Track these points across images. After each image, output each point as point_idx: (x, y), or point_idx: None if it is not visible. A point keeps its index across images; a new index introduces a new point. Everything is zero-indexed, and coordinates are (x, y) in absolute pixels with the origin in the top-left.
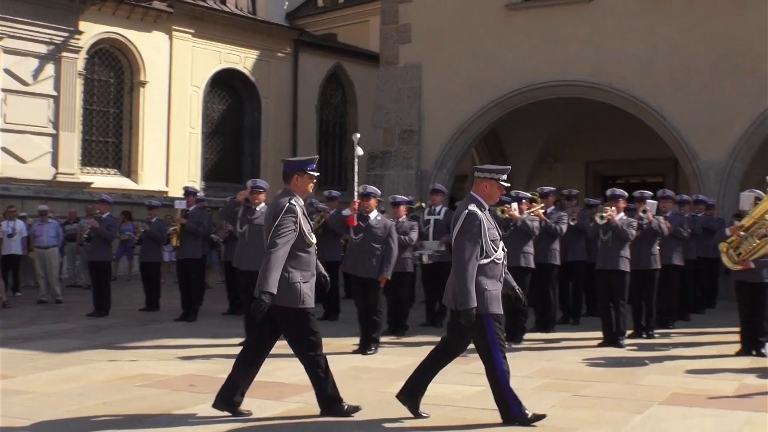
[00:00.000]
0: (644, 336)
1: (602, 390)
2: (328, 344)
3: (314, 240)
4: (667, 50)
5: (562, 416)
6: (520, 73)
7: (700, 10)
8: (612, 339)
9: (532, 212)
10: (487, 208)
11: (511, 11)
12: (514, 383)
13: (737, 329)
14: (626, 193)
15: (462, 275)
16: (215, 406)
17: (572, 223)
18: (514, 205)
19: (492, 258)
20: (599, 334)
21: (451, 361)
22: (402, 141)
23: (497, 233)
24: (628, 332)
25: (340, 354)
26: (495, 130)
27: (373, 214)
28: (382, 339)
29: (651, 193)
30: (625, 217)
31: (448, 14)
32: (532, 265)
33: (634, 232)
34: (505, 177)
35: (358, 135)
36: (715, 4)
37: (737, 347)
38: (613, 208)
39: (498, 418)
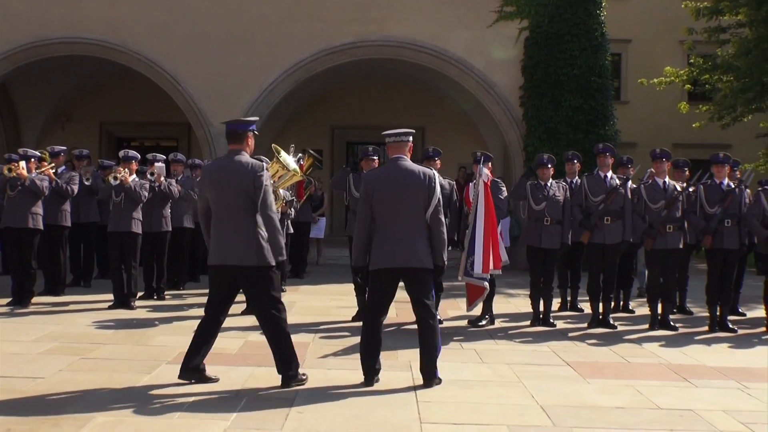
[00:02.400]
0: (155, 297)
1: (112, 352)
2: None
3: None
4: (183, 15)
5: (69, 380)
6: (32, 26)
7: None
8: (123, 301)
9: (42, 172)
10: None
11: None
12: (17, 348)
13: None
14: (139, 155)
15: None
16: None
17: (86, 183)
18: (22, 163)
19: None
20: (111, 296)
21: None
22: None
23: None
24: (140, 294)
25: None
26: (4, 85)
27: None
28: None
29: (164, 156)
30: (138, 179)
31: None
32: (41, 226)
33: (146, 193)
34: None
35: None
36: None
37: (243, 306)
38: (126, 169)
39: None
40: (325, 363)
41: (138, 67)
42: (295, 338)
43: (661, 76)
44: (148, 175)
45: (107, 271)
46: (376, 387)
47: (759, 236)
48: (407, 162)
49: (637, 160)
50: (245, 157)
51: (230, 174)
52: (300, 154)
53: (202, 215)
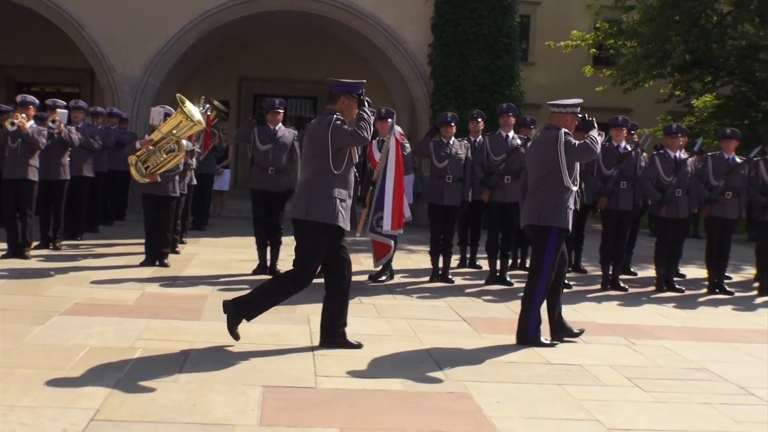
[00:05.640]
0: (51, 247)
1: (3, 302)
2: None
3: (355, 160)
4: None
5: None
6: None
7: None
8: (17, 250)
9: None
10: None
11: None
12: None
13: (143, 241)
14: (37, 101)
15: None
16: None
17: None
18: None
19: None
20: (4, 245)
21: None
22: None
23: None
24: (35, 243)
25: None
26: None
27: None
28: None
29: (64, 103)
30: (36, 126)
31: None
32: None
33: (44, 140)
34: (578, 110)
35: None
36: None
37: (142, 258)
38: (24, 115)
39: None
40: (222, 317)
41: (38, 9)
42: (194, 291)
43: (568, 39)
44: (50, 123)
45: (1, 220)
46: (275, 343)
47: (652, 198)
48: (544, 132)
49: (540, 121)
50: (326, 115)
51: (309, 132)
52: (207, 105)
53: None
